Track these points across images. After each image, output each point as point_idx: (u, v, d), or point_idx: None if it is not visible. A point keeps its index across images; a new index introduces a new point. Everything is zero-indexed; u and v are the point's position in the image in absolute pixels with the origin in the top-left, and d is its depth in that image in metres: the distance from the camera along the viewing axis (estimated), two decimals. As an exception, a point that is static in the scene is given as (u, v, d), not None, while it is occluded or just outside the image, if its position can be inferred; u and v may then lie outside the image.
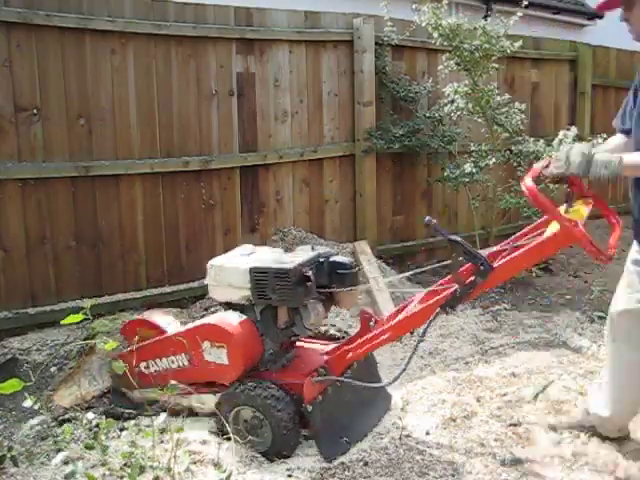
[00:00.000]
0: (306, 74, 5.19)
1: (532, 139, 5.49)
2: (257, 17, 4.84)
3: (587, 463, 2.70)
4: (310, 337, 3.29)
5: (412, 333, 2.90)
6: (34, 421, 2.13)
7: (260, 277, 2.89)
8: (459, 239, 2.58)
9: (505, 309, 4.97)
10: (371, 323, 3.05)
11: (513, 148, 5.50)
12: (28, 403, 2.18)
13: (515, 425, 3.08)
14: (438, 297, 2.68)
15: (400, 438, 2.94)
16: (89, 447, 2.25)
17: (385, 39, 5.47)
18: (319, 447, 2.84)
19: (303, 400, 2.80)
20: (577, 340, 4.24)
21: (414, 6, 5.24)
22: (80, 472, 2.09)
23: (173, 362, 3.08)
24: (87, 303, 2.29)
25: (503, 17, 5.32)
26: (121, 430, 2.92)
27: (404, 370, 2.74)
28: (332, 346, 3.17)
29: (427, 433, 3.03)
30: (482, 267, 2.54)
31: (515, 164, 5.49)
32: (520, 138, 5.47)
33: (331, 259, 2.99)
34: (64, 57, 4.02)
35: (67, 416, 3.14)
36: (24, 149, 3.91)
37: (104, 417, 3.07)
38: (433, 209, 6.16)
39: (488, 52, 5.21)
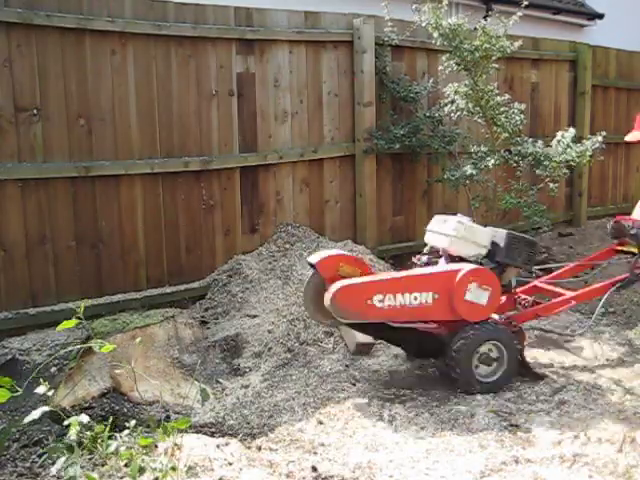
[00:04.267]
0: (306, 74, 5.18)
1: (531, 139, 5.49)
2: (257, 17, 4.84)
3: (587, 463, 2.70)
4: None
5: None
6: (39, 411, 2.13)
7: (515, 242, 3.60)
8: None
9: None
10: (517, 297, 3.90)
11: (512, 149, 5.50)
12: (42, 389, 2.18)
13: (516, 426, 3.08)
14: (615, 279, 3.86)
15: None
16: (89, 448, 2.25)
17: (385, 39, 5.47)
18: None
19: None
20: (577, 340, 4.24)
21: (414, 6, 5.24)
22: (80, 473, 2.08)
23: (416, 299, 3.39)
24: (81, 305, 2.29)
25: (503, 17, 5.32)
26: (121, 431, 2.92)
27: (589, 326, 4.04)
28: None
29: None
30: None
31: (515, 165, 5.49)
32: (519, 139, 5.47)
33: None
34: (64, 57, 4.02)
35: (67, 416, 3.14)
36: (24, 149, 3.91)
37: (103, 418, 3.08)
38: (433, 209, 6.15)
39: (488, 52, 5.21)
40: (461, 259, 3.63)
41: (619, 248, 4.08)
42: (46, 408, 2.13)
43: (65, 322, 2.24)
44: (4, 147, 3.84)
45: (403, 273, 3.60)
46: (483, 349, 3.46)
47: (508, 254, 3.59)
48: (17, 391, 2.07)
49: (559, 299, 3.85)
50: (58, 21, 3.94)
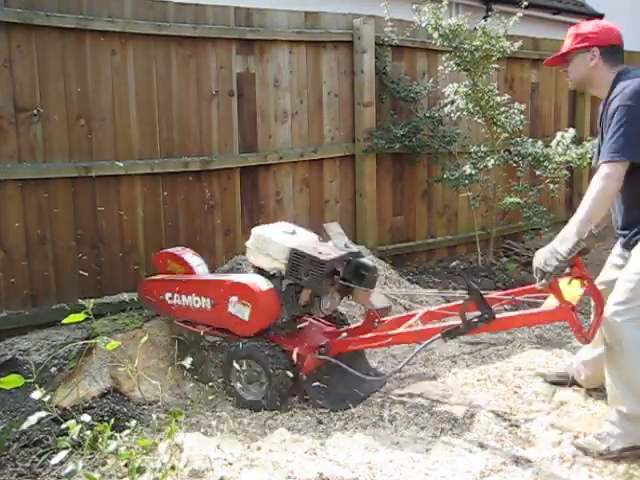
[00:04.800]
0: (306, 74, 5.18)
1: (531, 140, 5.50)
2: (257, 17, 4.84)
3: (587, 463, 2.70)
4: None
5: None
6: (35, 416, 2.12)
7: (297, 259, 3.29)
8: (476, 287, 3.00)
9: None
10: (375, 323, 3.48)
11: (512, 149, 5.50)
12: (37, 394, 2.18)
13: (516, 426, 3.08)
14: (442, 325, 3.12)
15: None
16: (89, 448, 2.25)
17: (385, 39, 5.47)
18: (316, 404, 3.30)
19: (300, 369, 3.29)
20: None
21: (414, 6, 5.25)
22: (80, 472, 2.08)
23: (197, 302, 3.53)
24: (89, 303, 2.29)
25: (503, 17, 5.32)
26: (121, 430, 2.92)
27: (400, 369, 3.25)
28: (333, 329, 3.62)
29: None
30: (487, 316, 2.93)
31: (514, 165, 5.50)
32: (519, 139, 5.48)
33: (358, 260, 3.44)
34: (64, 57, 4.02)
35: (67, 416, 3.15)
36: (24, 149, 3.91)
37: (103, 418, 3.08)
38: (433, 209, 6.17)
39: (488, 53, 5.21)
40: (260, 271, 3.49)
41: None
42: (43, 413, 2.13)
43: (73, 315, 2.24)
44: (4, 147, 3.84)
45: (195, 277, 3.69)
46: (238, 366, 3.37)
47: (290, 272, 3.32)
48: (27, 379, 2.06)
49: (376, 334, 3.37)
50: (58, 21, 3.93)
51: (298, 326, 3.61)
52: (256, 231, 3.55)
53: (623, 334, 2.67)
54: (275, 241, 3.43)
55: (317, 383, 3.34)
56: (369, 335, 3.38)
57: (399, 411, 3.25)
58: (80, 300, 3.97)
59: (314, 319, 3.71)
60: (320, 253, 3.29)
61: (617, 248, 3.03)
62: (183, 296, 3.58)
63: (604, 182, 2.62)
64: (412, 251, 5.97)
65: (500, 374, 3.71)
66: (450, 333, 3.03)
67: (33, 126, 3.93)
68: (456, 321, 3.03)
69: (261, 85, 4.91)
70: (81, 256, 4.15)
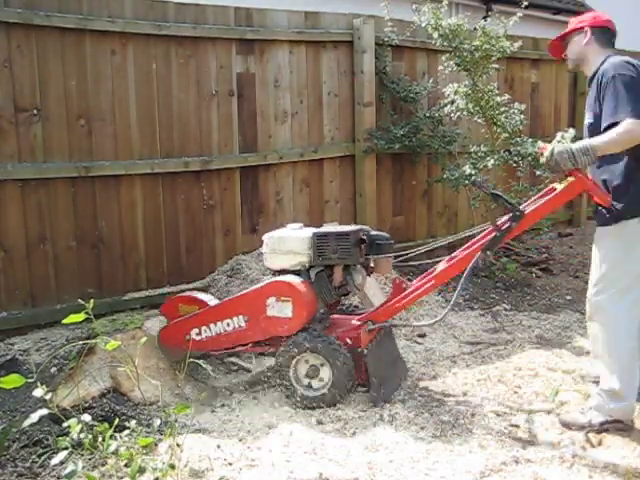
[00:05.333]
0: (306, 74, 5.18)
1: (530, 140, 5.49)
2: (257, 17, 4.84)
3: (587, 463, 2.70)
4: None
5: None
6: (37, 414, 2.12)
7: (323, 240, 3.41)
8: (499, 192, 3.18)
9: (505, 310, 4.97)
10: (404, 286, 3.52)
11: (512, 149, 5.50)
12: (39, 392, 2.18)
13: (516, 426, 3.08)
14: (481, 242, 3.22)
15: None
16: (89, 448, 2.24)
17: (385, 39, 5.47)
18: (372, 390, 3.32)
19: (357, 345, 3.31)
20: (577, 340, 4.24)
21: (414, 6, 5.24)
22: (80, 472, 2.08)
23: (229, 325, 3.48)
24: (89, 303, 2.29)
25: (503, 17, 5.32)
26: (121, 430, 2.92)
27: (446, 313, 3.30)
28: (358, 316, 3.59)
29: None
30: (517, 213, 3.09)
31: (514, 165, 5.49)
32: (519, 139, 5.47)
33: (371, 232, 3.56)
34: (64, 57, 4.02)
35: (67, 416, 3.14)
36: (24, 149, 3.91)
37: (103, 418, 3.08)
38: (433, 209, 6.17)
39: (488, 53, 5.21)
40: (282, 273, 3.52)
41: (555, 185, 3.37)
42: (45, 411, 2.13)
43: (72, 316, 2.24)
44: (4, 147, 3.84)
45: (217, 303, 3.65)
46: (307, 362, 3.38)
47: (318, 255, 3.43)
48: (28, 379, 2.06)
49: (418, 283, 3.45)
50: (58, 21, 3.94)
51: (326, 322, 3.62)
52: (269, 235, 3.59)
53: (601, 309, 2.95)
54: (293, 236, 3.52)
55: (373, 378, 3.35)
56: (411, 288, 3.42)
57: (399, 411, 3.25)
58: (80, 300, 4.03)
59: (335, 316, 3.72)
60: (342, 229, 3.50)
61: None
62: (212, 325, 3.51)
63: (635, 128, 2.74)
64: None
65: (500, 374, 3.71)
66: (490, 246, 3.15)
67: (33, 126, 3.93)
68: (491, 234, 3.16)
69: (261, 85, 4.91)
70: (81, 256, 4.15)
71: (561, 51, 3.25)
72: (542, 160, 2.93)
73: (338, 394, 3.31)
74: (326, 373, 3.32)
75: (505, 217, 3.18)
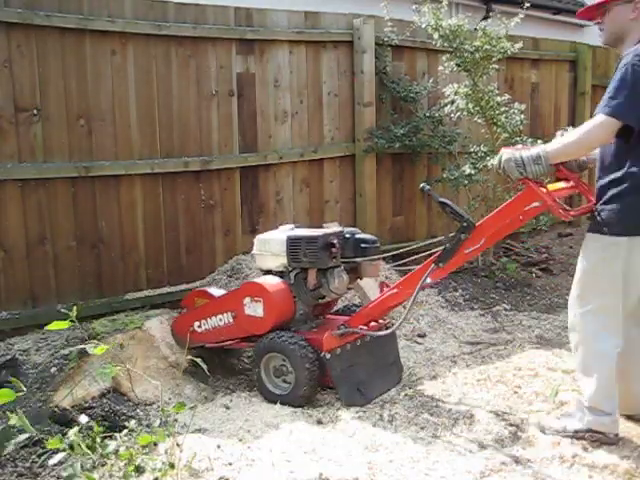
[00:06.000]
0: (306, 74, 5.18)
1: (530, 140, 5.49)
2: (257, 17, 4.84)
3: (587, 464, 2.70)
4: (337, 313, 3.88)
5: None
6: (20, 438, 2.13)
7: (294, 244, 3.49)
8: (448, 201, 3.13)
9: (505, 310, 4.97)
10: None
11: (512, 149, 5.49)
12: (13, 421, 2.17)
13: (516, 426, 3.08)
14: (432, 257, 3.20)
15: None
16: (89, 448, 2.24)
17: (385, 39, 5.47)
18: (339, 393, 3.38)
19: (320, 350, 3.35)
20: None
21: (414, 7, 5.24)
22: (80, 472, 2.08)
23: (221, 320, 3.63)
24: (73, 308, 2.29)
25: (503, 17, 5.32)
26: (120, 431, 2.92)
27: (405, 318, 3.26)
28: (349, 317, 3.62)
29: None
30: (465, 224, 3.02)
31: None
32: (519, 139, 5.47)
33: (356, 235, 3.58)
34: (64, 57, 4.02)
35: (66, 417, 3.15)
36: (24, 149, 3.91)
37: (103, 418, 3.08)
38: (433, 209, 6.16)
39: (488, 53, 5.21)
40: (270, 273, 3.65)
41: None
42: (25, 435, 2.13)
43: (56, 322, 2.26)
44: (4, 147, 3.84)
45: (213, 298, 3.80)
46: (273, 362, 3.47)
47: (291, 257, 3.51)
48: (21, 391, 2.07)
49: (384, 295, 3.46)
50: (58, 21, 3.94)
51: (316, 322, 3.69)
52: (258, 237, 3.73)
53: (579, 324, 2.83)
54: (274, 238, 3.63)
55: (344, 378, 3.40)
56: (376, 300, 3.49)
57: (399, 411, 3.25)
58: (79, 300, 4.03)
59: (330, 316, 3.82)
60: (313, 233, 3.53)
61: None
62: (209, 319, 3.67)
63: (596, 130, 2.59)
64: (412, 251, 5.95)
65: (500, 374, 3.71)
66: (441, 258, 3.12)
67: (33, 126, 3.93)
68: (442, 247, 3.15)
69: (261, 85, 4.91)
70: (81, 256, 4.15)
71: (595, 16, 2.79)
72: (494, 166, 2.78)
73: (301, 395, 3.35)
74: (291, 374, 3.38)
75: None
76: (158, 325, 3.91)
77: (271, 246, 3.61)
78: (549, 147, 2.67)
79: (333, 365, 3.37)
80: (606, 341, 2.74)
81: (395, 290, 3.38)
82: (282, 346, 3.38)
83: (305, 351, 3.33)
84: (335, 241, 3.46)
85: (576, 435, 2.85)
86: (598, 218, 2.76)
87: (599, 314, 2.75)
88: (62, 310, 2.95)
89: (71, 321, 2.25)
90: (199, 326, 3.70)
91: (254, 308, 3.47)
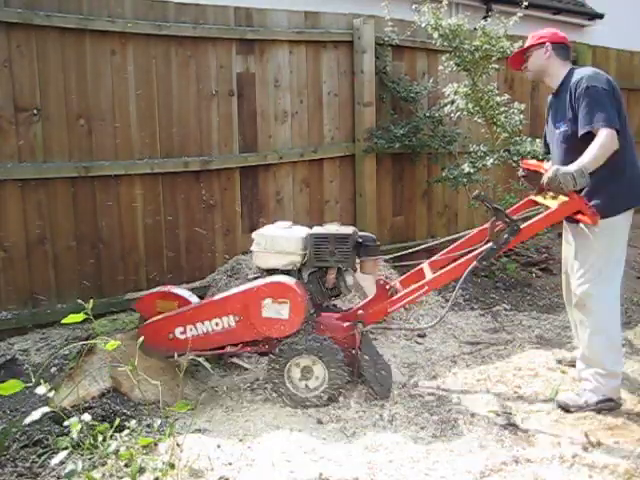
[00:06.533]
0: (306, 74, 5.18)
1: (529, 139, 5.49)
2: (257, 17, 4.84)
3: (587, 463, 2.70)
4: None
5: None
6: (38, 412, 2.12)
7: (321, 242, 3.38)
8: (501, 207, 3.28)
9: (505, 310, 4.97)
10: (389, 288, 3.56)
11: (511, 148, 5.50)
12: (42, 390, 2.17)
13: (516, 426, 3.08)
14: (474, 253, 3.30)
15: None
16: (89, 448, 2.25)
17: (385, 39, 5.47)
18: (372, 387, 3.36)
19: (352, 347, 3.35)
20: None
21: (414, 6, 5.24)
22: (80, 471, 2.08)
23: (217, 325, 3.38)
24: (89, 303, 2.29)
25: (503, 17, 5.32)
26: (121, 430, 2.92)
27: (442, 317, 3.41)
28: (341, 314, 3.60)
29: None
30: (515, 228, 3.21)
31: (514, 164, 5.49)
32: (519, 138, 5.48)
33: (359, 234, 3.54)
34: (64, 57, 4.02)
35: (67, 416, 3.14)
36: (24, 149, 3.91)
37: (103, 418, 3.08)
38: (433, 209, 6.16)
39: (488, 53, 5.21)
40: (272, 272, 3.48)
41: (536, 199, 3.56)
42: (46, 409, 2.13)
43: (72, 316, 2.24)
44: (4, 147, 3.84)
45: (206, 301, 3.61)
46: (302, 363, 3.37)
47: (315, 256, 3.40)
48: (26, 386, 2.07)
49: (411, 288, 3.44)
50: (58, 21, 3.94)
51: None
52: (259, 233, 3.53)
53: (590, 296, 3.20)
54: (285, 236, 3.45)
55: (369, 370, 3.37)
56: (403, 292, 3.42)
57: (399, 411, 3.25)
58: (80, 300, 4.03)
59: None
60: (341, 231, 3.45)
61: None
62: (198, 324, 3.40)
63: (610, 139, 3.02)
64: (412, 251, 5.95)
65: (500, 374, 3.71)
66: (485, 257, 3.26)
67: (33, 126, 3.93)
68: (486, 246, 3.28)
69: (261, 85, 4.91)
70: (81, 256, 4.16)
71: (520, 63, 3.51)
72: (544, 180, 3.07)
73: (332, 395, 3.31)
74: (320, 372, 3.32)
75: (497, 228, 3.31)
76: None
77: (282, 244, 3.42)
78: (584, 163, 2.99)
79: (364, 360, 3.35)
80: (615, 309, 3.22)
81: (425, 288, 3.37)
82: (314, 347, 3.27)
83: (337, 350, 3.29)
84: (361, 240, 3.44)
85: (597, 407, 3.16)
86: (601, 205, 3.14)
87: (611, 282, 3.19)
88: (71, 307, 2.96)
89: (85, 313, 2.24)
90: (182, 332, 3.42)
91: (277, 310, 3.27)
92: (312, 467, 2.68)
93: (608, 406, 3.17)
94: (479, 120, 5.48)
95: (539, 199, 3.46)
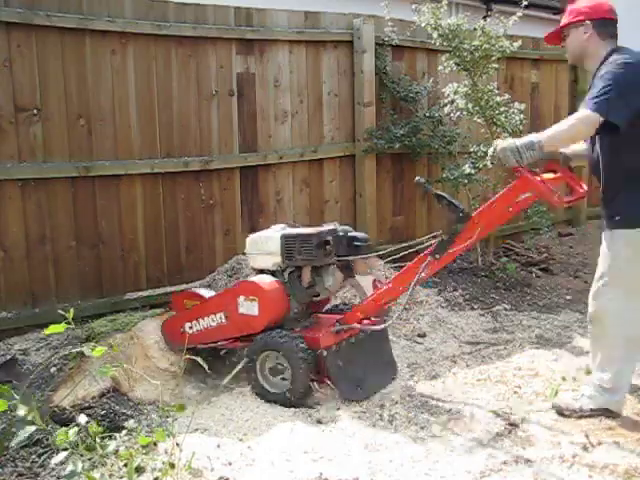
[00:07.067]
0: (306, 74, 5.18)
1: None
2: (257, 17, 4.84)
3: (587, 463, 2.70)
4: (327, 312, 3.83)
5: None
6: (26, 431, 2.12)
7: (289, 241, 3.50)
8: (443, 193, 3.16)
9: (505, 309, 4.97)
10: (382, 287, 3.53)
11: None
12: (21, 412, 2.17)
13: (516, 426, 3.08)
14: (429, 249, 3.23)
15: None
16: (89, 448, 2.25)
17: (385, 39, 5.47)
18: (337, 388, 3.39)
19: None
20: (577, 340, 4.24)
21: (414, 6, 5.24)
22: (80, 471, 2.08)
23: (213, 320, 3.61)
24: (70, 310, 2.29)
25: (503, 17, 5.32)
26: (120, 430, 2.93)
27: (398, 315, 3.36)
28: (341, 315, 3.61)
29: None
30: (461, 214, 3.09)
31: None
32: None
33: (349, 234, 3.60)
34: (64, 57, 4.02)
35: (66, 417, 3.15)
36: (24, 149, 3.91)
37: (103, 418, 3.08)
38: (433, 209, 6.16)
39: (488, 52, 5.21)
40: (264, 272, 3.64)
41: None
42: (32, 428, 2.13)
43: (52, 326, 2.26)
44: (4, 147, 3.84)
45: (205, 299, 3.78)
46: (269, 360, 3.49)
47: (285, 255, 3.51)
48: (14, 397, 2.06)
49: (378, 291, 3.49)
50: (58, 21, 3.94)
51: (308, 321, 3.69)
52: (250, 236, 3.75)
53: (601, 308, 3.00)
54: (268, 236, 3.63)
55: (339, 372, 3.42)
56: (371, 296, 3.49)
57: (399, 411, 3.25)
58: (79, 301, 4.03)
59: (321, 315, 3.79)
60: (307, 231, 3.57)
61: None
62: (201, 320, 3.66)
63: (583, 122, 2.77)
64: (412, 251, 5.96)
65: (500, 374, 3.71)
66: (438, 250, 3.16)
67: (33, 126, 3.93)
68: (439, 238, 3.20)
69: (261, 85, 4.91)
70: (81, 256, 4.15)
71: (560, 40, 3.13)
72: (488, 157, 2.92)
73: (297, 393, 3.36)
74: (287, 372, 3.38)
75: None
76: (157, 325, 3.91)
77: (263, 245, 3.61)
78: (541, 134, 2.79)
79: (330, 362, 3.39)
80: (627, 326, 2.96)
81: (390, 285, 3.40)
82: (278, 343, 3.38)
83: (301, 348, 3.34)
84: (329, 239, 3.48)
85: (591, 414, 3.05)
86: (623, 213, 2.87)
87: (631, 300, 2.92)
88: (60, 312, 2.96)
89: (67, 323, 2.25)
90: (190, 327, 3.68)
91: (248, 307, 3.47)
92: (312, 467, 2.68)
93: (603, 415, 3.05)
94: (479, 120, 5.47)
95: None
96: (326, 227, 3.68)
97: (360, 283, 4.05)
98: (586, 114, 2.74)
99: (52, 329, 2.25)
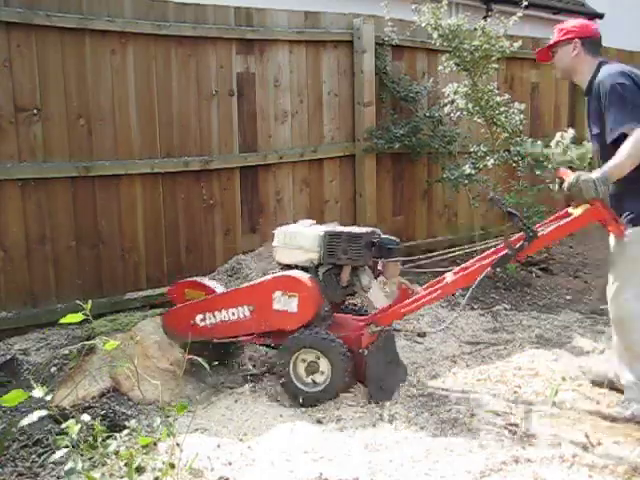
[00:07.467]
0: (306, 74, 5.18)
1: (530, 140, 5.49)
2: (257, 17, 4.84)
3: (587, 464, 2.70)
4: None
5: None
6: (36, 414, 2.12)
7: (334, 240, 3.43)
8: (515, 211, 3.19)
9: (505, 309, 4.97)
10: (410, 292, 3.56)
11: (512, 149, 5.50)
12: (38, 393, 2.17)
13: (516, 426, 3.08)
14: (489, 259, 3.24)
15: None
16: (89, 447, 2.24)
17: (385, 39, 5.47)
18: (370, 389, 3.37)
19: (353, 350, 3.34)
20: (577, 340, 4.24)
21: (414, 6, 5.24)
22: (80, 471, 2.08)
23: (233, 314, 3.51)
24: (87, 304, 2.29)
25: (503, 17, 5.32)
26: (120, 430, 2.92)
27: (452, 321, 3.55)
28: (362, 317, 3.61)
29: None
30: (531, 235, 3.11)
31: (514, 165, 5.49)
32: (519, 139, 5.48)
33: (382, 237, 3.56)
34: (64, 57, 4.02)
35: (67, 416, 3.14)
36: (24, 149, 3.91)
37: (103, 418, 3.08)
38: (433, 209, 6.17)
39: (488, 52, 5.21)
40: (290, 268, 3.56)
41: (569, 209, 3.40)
42: (44, 411, 2.12)
43: (70, 315, 2.25)
44: (4, 147, 3.84)
45: (224, 291, 3.73)
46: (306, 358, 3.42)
47: (328, 254, 3.45)
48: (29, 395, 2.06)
49: (426, 291, 3.47)
50: (58, 21, 3.94)
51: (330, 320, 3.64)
52: (281, 229, 3.62)
53: (625, 309, 3.04)
54: (305, 232, 3.54)
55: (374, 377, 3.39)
56: (418, 294, 3.43)
57: (399, 411, 3.25)
58: (79, 301, 4.03)
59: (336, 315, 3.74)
60: (355, 230, 3.50)
61: None
62: (216, 313, 3.56)
63: (638, 143, 2.83)
64: (412, 251, 5.96)
65: (500, 374, 3.71)
66: (500, 263, 3.19)
67: (33, 126, 3.93)
68: (504, 251, 3.19)
69: (261, 85, 4.91)
70: (81, 256, 4.15)
71: (549, 57, 3.30)
72: (565, 186, 2.96)
73: (335, 392, 3.33)
74: (325, 369, 3.34)
75: (517, 235, 3.23)
76: (157, 325, 3.91)
77: (300, 240, 3.51)
78: (608, 169, 2.86)
79: (370, 361, 3.36)
80: None
81: (439, 292, 3.35)
82: (319, 342, 3.31)
83: (343, 348, 3.30)
84: (375, 240, 3.46)
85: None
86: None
87: None
88: (71, 307, 2.96)
89: (85, 314, 2.25)
90: (202, 319, 3.59)
91: (286, 303, 3.37)
92: (312, 467, 2.68)
93: None
94: (479, 120, 5.47)
95: (570, 209, 3.25)
96: (363, 228, 3.62)
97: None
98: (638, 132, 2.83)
99: (69, 318, 2.24)
